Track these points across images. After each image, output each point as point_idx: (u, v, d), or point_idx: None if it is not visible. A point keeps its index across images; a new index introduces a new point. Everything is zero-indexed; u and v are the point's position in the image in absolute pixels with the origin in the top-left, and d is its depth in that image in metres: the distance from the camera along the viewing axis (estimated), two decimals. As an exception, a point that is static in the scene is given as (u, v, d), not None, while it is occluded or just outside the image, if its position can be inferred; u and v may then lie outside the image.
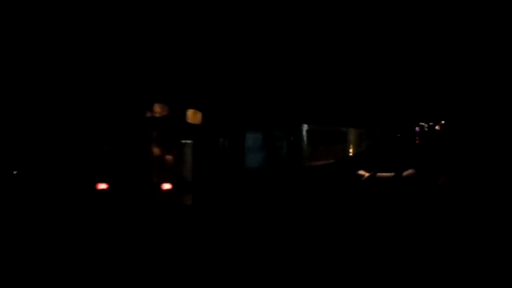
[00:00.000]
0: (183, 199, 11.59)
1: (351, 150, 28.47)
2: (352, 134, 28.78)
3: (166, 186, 11.24)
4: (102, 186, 11.03)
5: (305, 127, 20.57)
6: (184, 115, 12.29)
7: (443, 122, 33.06)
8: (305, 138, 20.63)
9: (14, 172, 11.37)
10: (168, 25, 12.31)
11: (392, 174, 21.47)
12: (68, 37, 12.04)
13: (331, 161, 23.82)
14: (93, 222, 10.51)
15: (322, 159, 22.73)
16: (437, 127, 30.96)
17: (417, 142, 29.15)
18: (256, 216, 11.35)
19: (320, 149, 22.94)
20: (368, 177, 20.44)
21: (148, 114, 11.69)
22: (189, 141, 11.67)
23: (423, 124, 30.93)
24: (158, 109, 11.98)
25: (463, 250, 7.71)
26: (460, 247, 7.86)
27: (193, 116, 12.41)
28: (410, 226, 9.57)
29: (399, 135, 33.46)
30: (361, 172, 21.19)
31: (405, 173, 20.91)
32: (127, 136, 11.16)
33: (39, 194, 10.95)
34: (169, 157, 11.52)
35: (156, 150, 11.32)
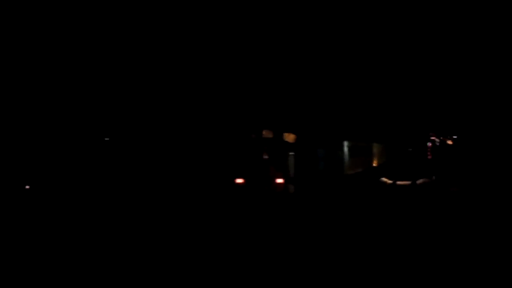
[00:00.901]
0: (289, 188, 18.97)
1: (375, 162, 35.54)
2: (375, 149, 35.86)
3: (279, 180, 18.53)
4: (240, 180, 18.32)
5: (346, 143, 27.77)
6: (282, 136, 19.59)
7: (455, 137, 38.79)
8: (346, 151, 27.85)
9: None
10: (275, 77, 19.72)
11: (409, 182, 31.22)
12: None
13: (362, 169, 31.00)
14: (234, 204, 17.76)
15: (357, 167, 29.94)
16: (449, 142, 35.60)
17: (429, 157, 34.48)
18: (321, 199, 18.75)
19: (356, 160, 30.14)
20: (390, 184, 30.24)
21: (264, 136, 18.99)
22: (292, 153, 19.01)
23: (434, 138, 36.13)
24: (267, 133, 19.25)
25: (468, 247, 10.33)
26: (465, 245, 10.56)
27: (288, 137, 19.70)
28: (423, 222, 14.31)
29: (410, 149, 40.00)
30: (384, 179, 31.10)
31: (419, 181, 30.73)
32: (255, 150, 18.49)
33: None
34: (281, 162, 18.87)
35: (273, 158, 18.60)
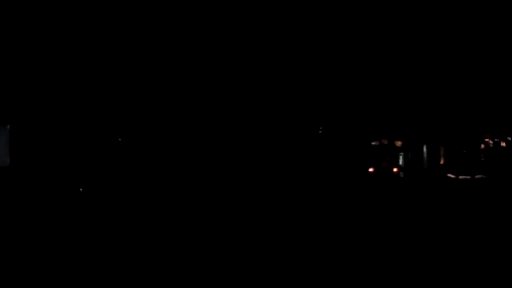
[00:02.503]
0: (400, 174, 31.58)
1: (442, 160, 47.30)
2: (441, 150, 47.58)
3: (395, 169, 31.03)
4: (371, 169, 30.90)
5: (425, 146, 39.93)
6: (394, 142, 32.08)
7: (509, 138, 47.51)
8: (425, 153, 40.04)
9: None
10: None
11: (469, 176, 48.10)
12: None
13: (434, 166, 42.93)
14: (368, 182, 30.28)
15: (430, 164, 41.95)
16: (502, 144, 42.97)
17: (482, 159, 44.47)
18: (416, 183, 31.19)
19: (430, 158, 42.18)
20: (454, 178, 47.41)
21: (383, 143, 31.53)
22: (401, 153, 31.59)
23: (488, 140, 44.48)
24: (384, 140, 31.79)
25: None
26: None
27: (397, 143, 32.21)
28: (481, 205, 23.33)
29: (464, 151, 50.98)
30: (450, 175, 48.27)
31: (477, 176, 47.80)
32: (378, 151, 31.02)
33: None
34: (394, 158, 31.41)
35: (389, 156, 31.19)
